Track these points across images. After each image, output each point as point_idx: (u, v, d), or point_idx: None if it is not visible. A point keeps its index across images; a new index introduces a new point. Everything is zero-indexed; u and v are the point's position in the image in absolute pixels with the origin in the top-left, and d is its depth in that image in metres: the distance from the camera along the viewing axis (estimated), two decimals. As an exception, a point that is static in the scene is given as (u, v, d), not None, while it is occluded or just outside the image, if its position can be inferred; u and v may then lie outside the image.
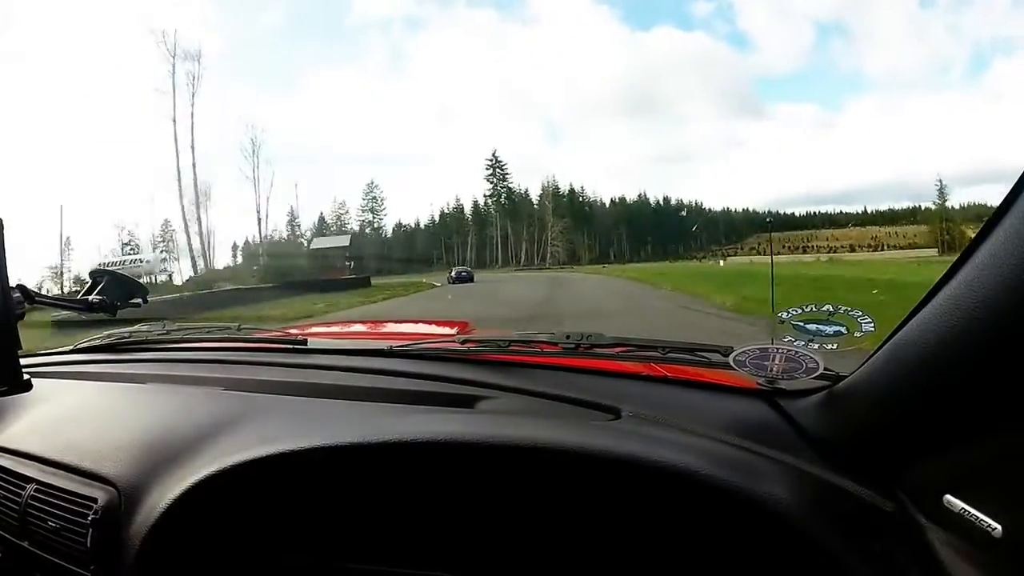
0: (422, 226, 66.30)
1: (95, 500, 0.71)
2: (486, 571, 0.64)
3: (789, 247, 64.33)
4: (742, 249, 62.91)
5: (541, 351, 0.88)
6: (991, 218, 0.42)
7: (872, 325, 0.65)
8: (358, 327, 1.95)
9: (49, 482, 0.76)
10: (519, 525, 0.63)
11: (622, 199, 68.94)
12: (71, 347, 1.23)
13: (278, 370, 0.95)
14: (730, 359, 0.71)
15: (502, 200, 65.81)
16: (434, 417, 0.72)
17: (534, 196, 65.62)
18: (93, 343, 1.20)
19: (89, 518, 0.70)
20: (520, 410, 0.74)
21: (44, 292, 0.84)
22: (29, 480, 0.78)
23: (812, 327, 0.68)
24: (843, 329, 0.67)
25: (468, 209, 66.80)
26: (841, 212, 68.86)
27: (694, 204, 69.96)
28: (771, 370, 0.68)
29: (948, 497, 0.47)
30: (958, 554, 0.47)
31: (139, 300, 1.03)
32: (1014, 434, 0.44)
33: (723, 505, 0.53)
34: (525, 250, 63.18)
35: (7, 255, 0.63)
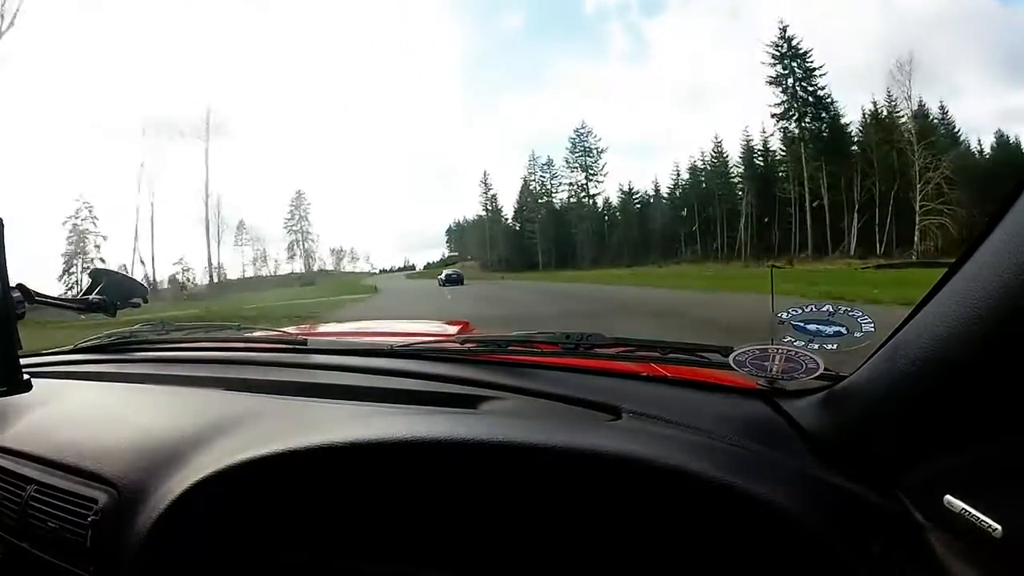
0: (663, 193, 38.28)
1: (95, 501, 0.71)
2: (487, 571, 0.64)
3: None
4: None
5: (541, 351, 0.89)
6: (991, 217, 0.42)
7: (872, 325, 0.65)
8: (358, 327, 1.96)
9: (49, 482, 0.76)
10: (520, 525, 0.63)
11: (1001, 137, 31.46)
12: (71, 347, 1.23)
13: (278, 370, 0.95)
14: (730, 359, 0.71)
15: (805, 122, 32.24)
16: (434, 417, 0.72)
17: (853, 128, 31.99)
18: (93, 343, 1.20)
19: (89, 518, 0.70)
20: (520, 410, 0.74)
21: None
22: (29, 480, 0.78)
23: (812, 327, 0.68)
24: (843, 329, 0.67)
25: (736, 157, 35.32)
26: None
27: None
28: (771, 370, 0.68)
29: (948, 497, 0.47)
30: (958, 555, 0.47)
31: (138, 300, 1.03)
32: (1015, 434, 0.44)
33: (723, 505, 0.53)
34: (856, 225, 30.85)
35: (7, 255, 0.63)
